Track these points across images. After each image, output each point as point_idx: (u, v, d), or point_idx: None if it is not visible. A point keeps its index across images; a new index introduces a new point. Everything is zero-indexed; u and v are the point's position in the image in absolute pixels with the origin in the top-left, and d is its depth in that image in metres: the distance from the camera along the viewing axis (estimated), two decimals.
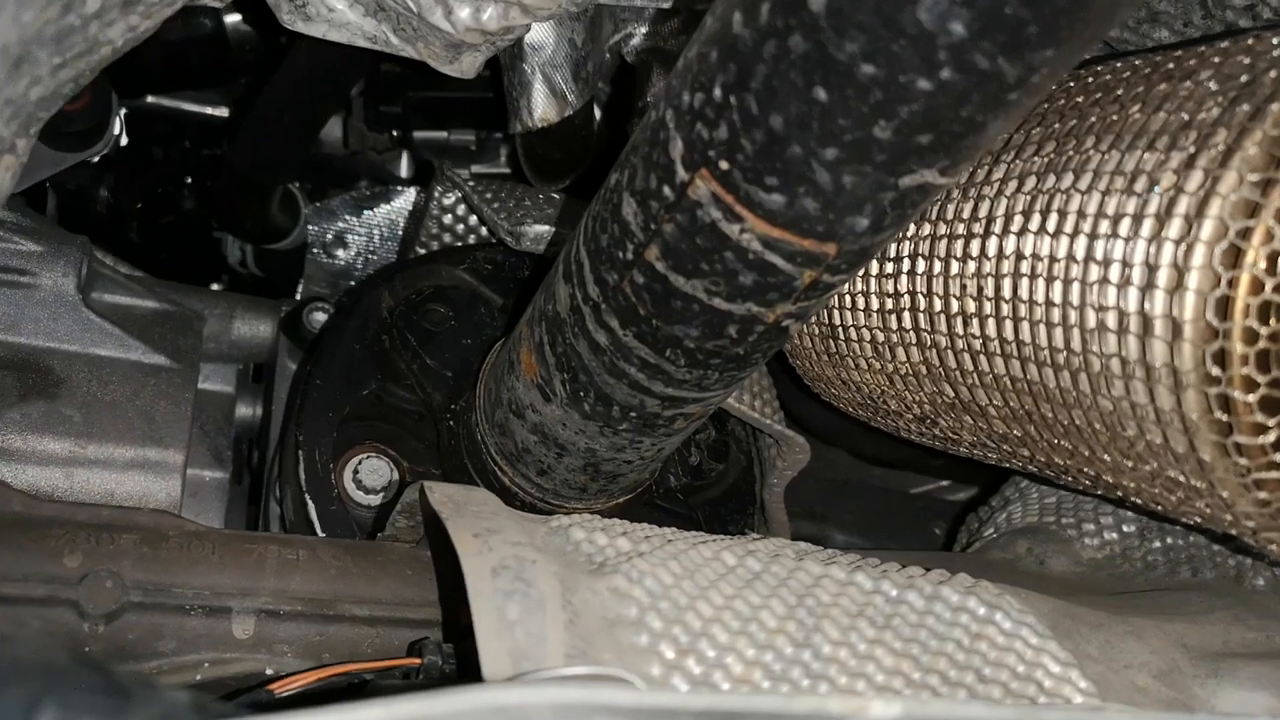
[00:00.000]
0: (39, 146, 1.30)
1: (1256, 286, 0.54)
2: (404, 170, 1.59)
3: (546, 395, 0.87)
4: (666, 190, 0.67)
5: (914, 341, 0.80)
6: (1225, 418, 0.57)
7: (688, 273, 0.69)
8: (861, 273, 0.84)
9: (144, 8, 0.63)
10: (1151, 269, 0.58)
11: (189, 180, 1.73)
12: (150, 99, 1.75)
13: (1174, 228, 0.57)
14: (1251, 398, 0.55)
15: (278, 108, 1.32)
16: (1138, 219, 0.60)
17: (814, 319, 0.92)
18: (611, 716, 0.39)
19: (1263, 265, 0.54)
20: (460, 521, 0.67)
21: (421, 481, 0.76)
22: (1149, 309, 0.59)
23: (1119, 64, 0.71)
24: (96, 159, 1.69)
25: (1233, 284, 0.55)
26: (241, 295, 1.32)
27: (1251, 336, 0.55)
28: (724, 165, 0.63)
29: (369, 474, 1.02)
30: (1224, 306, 0.55)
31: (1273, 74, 0.57)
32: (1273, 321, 0.55)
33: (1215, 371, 0.56)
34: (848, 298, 0.86)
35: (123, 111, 1.78)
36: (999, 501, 1.08)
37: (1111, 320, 0.61)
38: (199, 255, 1.68)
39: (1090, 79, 0.71)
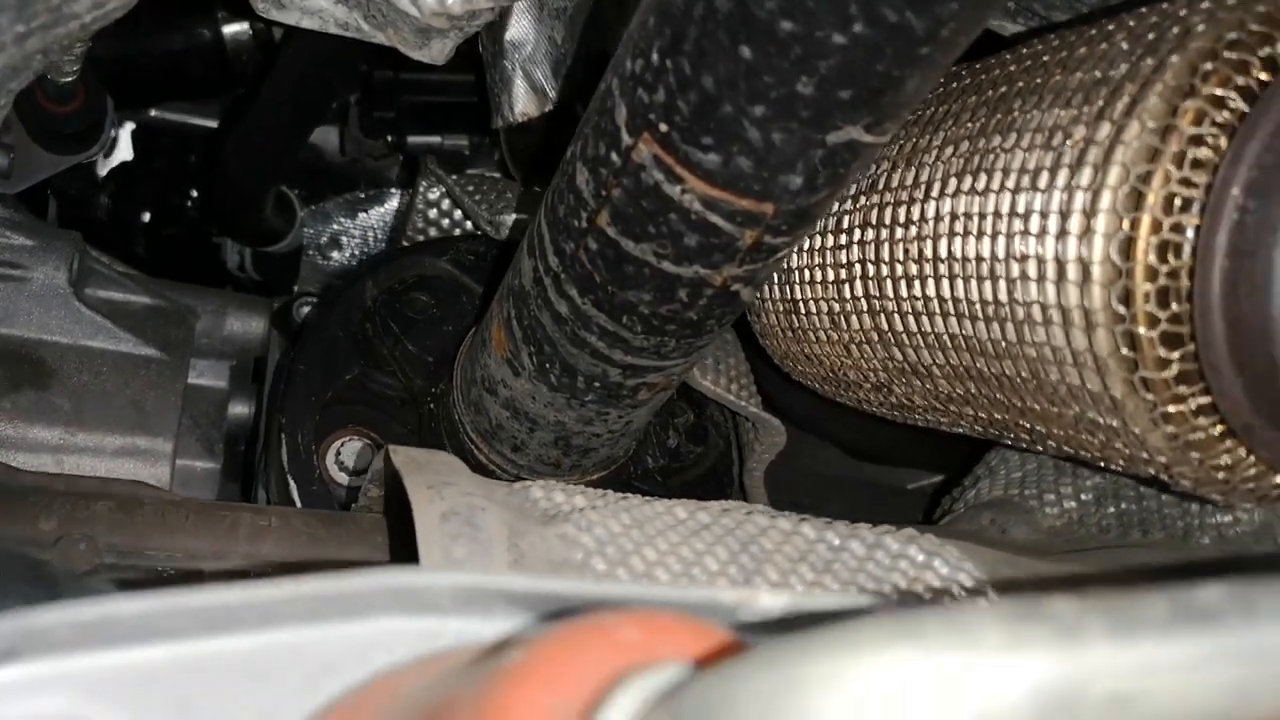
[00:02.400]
0: (36, 150, 1.35)
1: (1155, 226, 0.57)
2: (399, 175, 1.63)
3: (515, 369, 0.90)
4: (614, 156, 0.70)
5: (865, 309, 0.82)
6: (1131, 354, 0.59)
7: (636, 236, 0.72)
8: (817, 246, 0.87)
9: None
10: (1064, 216, 0.61)
11: (193, 191, 1.78)
12: (154, 112, 1.81)
13: (1084, 176, 0.60)
14: (1154, 333, 0.57)
15: (266, 115, 1.36)
16: (1053, 171, 0.62)
17: (776, 296, 0.95)
18: (511, 602, 0.41)
19: (1161, 206, 0.56)
20: (418, 477, 0.70)
21: (388, 446, 0.78)
22: (1062, 254, 0.61)
23: (1051, 35, 0.74)
24: (99, 167, 1.75)
25: (1134, 225, 0.57)
26: (234, 293, 1.35)
27: (1152, 274, 0.57)
28: (663, 127, 0.66)
29: (350, 456, 1.05)
30: (1127, 247, 0.58)
31: (1175, 30, 0.60)
32: (1171, 259, 0.57)
33: (1120, 310, 0.58)
34: (805, 271, 0.89)
35: (130, 126, 1.84)
36: (970, 480, 1.10)
37: (1031, 269, 0.63)
38: (200, 261, 1.72)
39: (1024, 50, 0.74)
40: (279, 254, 1.57)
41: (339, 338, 1.11)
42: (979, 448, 1.13)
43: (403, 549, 0.84)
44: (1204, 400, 0.59)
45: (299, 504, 1.03)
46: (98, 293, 1.22)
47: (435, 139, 1.59)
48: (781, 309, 0.95)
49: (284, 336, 1.28)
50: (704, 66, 0.61)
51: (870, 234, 0.80)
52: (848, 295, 0.84)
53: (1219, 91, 0.57)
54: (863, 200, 0.81)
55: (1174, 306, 0.57)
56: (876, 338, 0.83)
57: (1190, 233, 0.57)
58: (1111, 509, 0.90)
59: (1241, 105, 0.56)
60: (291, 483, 1.03)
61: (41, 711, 0.37)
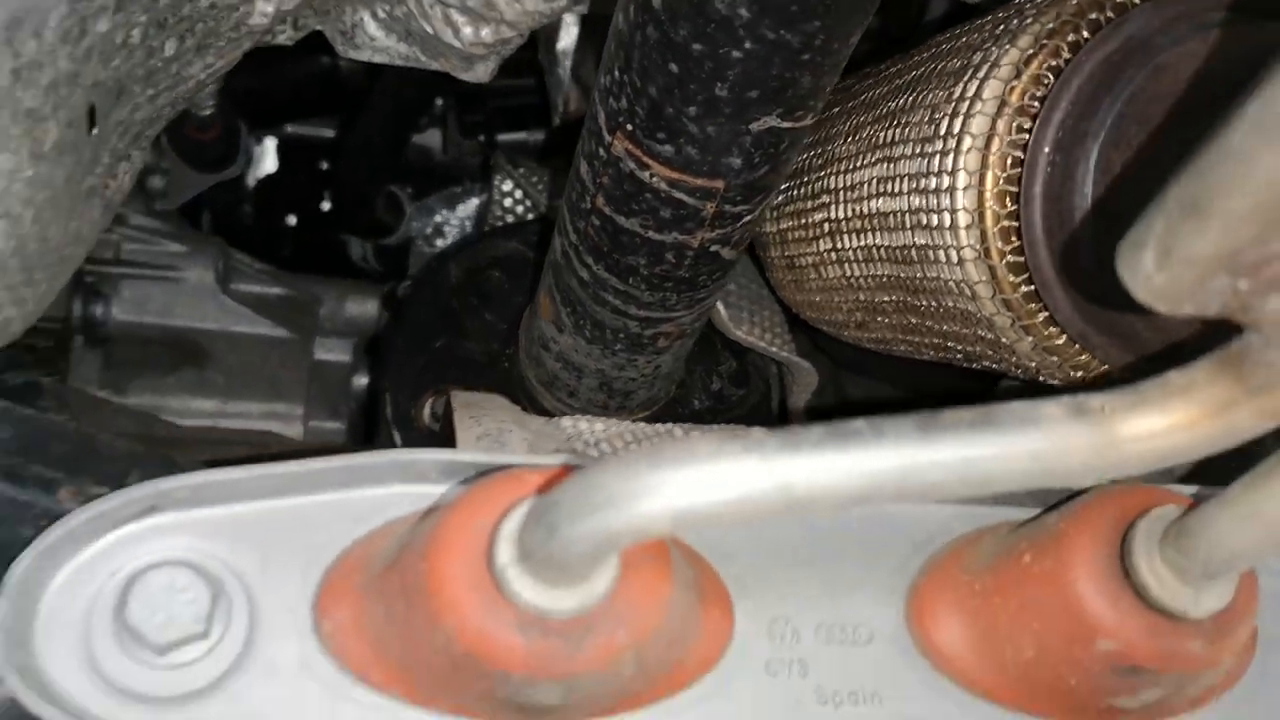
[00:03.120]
0: (187, 171, 1.61)
1: (995, 180, 0.72)
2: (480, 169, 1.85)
3: (560, 328, 1.10)
4: (600, 150, 0.89)
5: (833, 259, 0.99)
6: (992, 281, 0.74)
7: (626, 213, 0.90)
8: (796, 209, 1.04)
9: (215, 51, 0.88)
10: (938, 176, 0.77)
11: (325, 195, 2.04)
12: (291, 128, 2.07)
13: (950, 144, 0.76)
14: (1003, 263, 0.73)
15: (371, 128, 1.60)
16: (931, 141, 0.78)
17: (776, 254, 1.12)
18: (477, 471, 0.61)
19: (997, 165, 0.72)
20: (464, 410, 0.90)
21: (451, 391, 0.99)
22: (939, 206, 0.77)
23: (958, 29, 0.89)
24: (247, 179, 2.02)
25: (981, 181, 0.73)
26: (350, 280, 1.59)
27: (996, 217, 0.72)
28: (629, 127, 0.84)
29: (440, 409, 1.27)
30: (978, 198, 0.73)
31: (1015, 23, 0.75)
32: (1009, 204, 0.72)
33: (979, 247, 0.74)
34: (791, 231, 1.06)
35: (273, 141, 2.11)
36: None
37: (923, 219, 0.79)
38: (332, 256, 1.98)
39: (933, 46, 0.90)
40: (392, 246, 1.80)
41: (429, 312, 1.33)
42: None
43: None
44: (1048, 314, 0.74)
45: None
46: (240, 287, 1.47)
47: (521, 135, 1.80)
48: (782, 265, 1.12)
49: (391, 315, 1.51)
50: (647, 80, 0.79)
51: (827, 198, 0.96)
52: (820, 249, 1.01)
53: (1038, 72, 0.72)
54: (823, 170, 0.98)
55: (1015, 241, 0.73)
56: (845, 283, 0.99)
57: (1020, 184, 0.72)
58: None
59: (1053, 81, 0.71)
60: (395, 432, 1.26)
61: (171, 545, 0.58)
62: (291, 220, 2.06)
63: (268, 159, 2.07)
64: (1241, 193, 0.39)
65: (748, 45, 0.73)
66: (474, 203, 1.73)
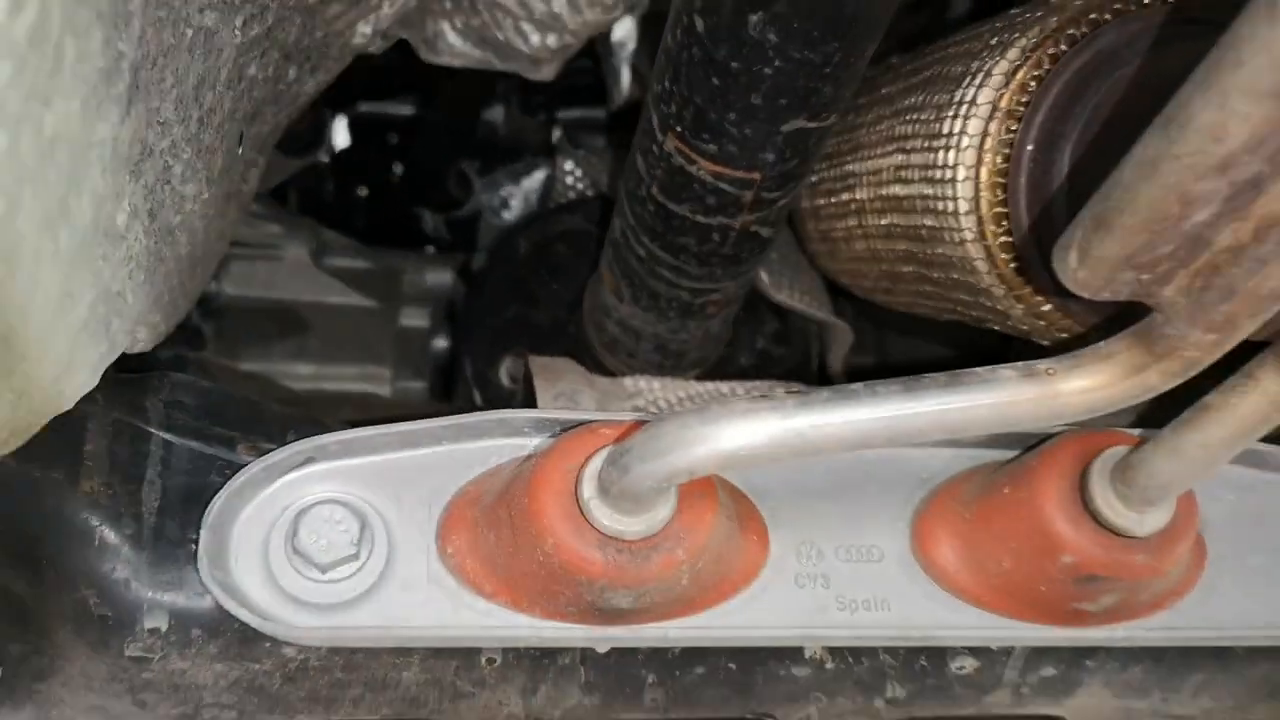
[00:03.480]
0: (279, 158, 1.77)
1: (990, 174, 0.85)
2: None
3: (620, 298, 1.24)
4: (654, 147, 1.03)
5: (859, 235, 1.12)
6: (988, 258, 0.88)
7: (677, 200, 1.05)
8: (828, 189, 1.17)
9: (324, 69, 1.03)
10: (943, 169, 0.90)
11: (397, 168, 2.19)
12: (364, 106, 2.23)
13: (952, 141, 0.89)
14: (996, 244, 0.86)
15: (441, 115, 1.75)
16: (937, 138, 0.91)
17: (811, 229, 1.25)
18: (561, 426, 0.76)
19: (990, 161, 0.85)
20: (542, 373, 1.06)
21: (527, 356, 1.15)
22: (948, 194, 0.90)
23: (961, 36, 1.01)
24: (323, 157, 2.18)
25: (977, 174, 0.86)
26: (428, 254, 1.75)
27: (990, 205, 0.86)
28: (679, 129, 0.98)
29: (515, 370, 1.43)
30: (975, 190, 0.87)
31: (1009, 35, 0.88)
32: (998, 194, 0.85)
33: (976, 229, 0.87)
34: (824, 209, 1.19)
35: (344, 119, 2.27)
36: None
37: (933, 205, 0.93)
38: (406, 228, 2.14)
39: (941, 49, 1.02)
40: (462, 218, 1.95)
41: (502, 283, 1.48)
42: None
43: None
44: (1033, 286, 0.88)
45: (480, 407, 1.41)
46: (332, 262, 1.63)
47: (579, 112, 1.94)
48: (817, 237, 1.25)
49: (466, 285, 1.66)
50: (693, 90, 0.93)
51: (853, 180, 1.10)
52: (849, 225, 1.14)
53: (1024, 80, 0.85)
54: (849, 155, 1.11)
55: (1005, 224, 0.86)
56: (870, 255, 1.13)
57: (1008, 176, 0.85)
58: None
59: (1035, 89, 0.84)
60: (475, 392, 1.42)
61: (327, 488, 0.74)
62: (366, 194, 2.22)
63: (339, 136, 2.23)
64: (1131, 213, 0.52)
65: (777, 63, 0.86)
66: (538, 176, 1.87)
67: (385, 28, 1.08)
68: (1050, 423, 0.61)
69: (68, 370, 0.54)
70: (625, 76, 1.49)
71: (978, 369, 0.62)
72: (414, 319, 1.68)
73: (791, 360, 1.50)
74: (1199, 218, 0.50)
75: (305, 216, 1.62)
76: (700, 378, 1.39)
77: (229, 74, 0.73)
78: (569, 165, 1.64)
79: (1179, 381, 0.59)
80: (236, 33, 0.71)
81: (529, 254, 1.50)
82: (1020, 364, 0.62)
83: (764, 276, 1.40)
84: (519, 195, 1.88)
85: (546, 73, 1.22)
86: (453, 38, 1.21)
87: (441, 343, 1.71)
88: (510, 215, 1.88)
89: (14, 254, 0.44)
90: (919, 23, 1.49)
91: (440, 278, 1.71)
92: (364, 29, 1.04)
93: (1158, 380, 0.59)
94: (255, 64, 0.79)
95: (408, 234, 2.09)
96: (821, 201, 1.19)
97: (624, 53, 1.49)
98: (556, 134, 1.86)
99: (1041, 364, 0.61)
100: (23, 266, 0.45)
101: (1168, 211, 0.51)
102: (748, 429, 0.60)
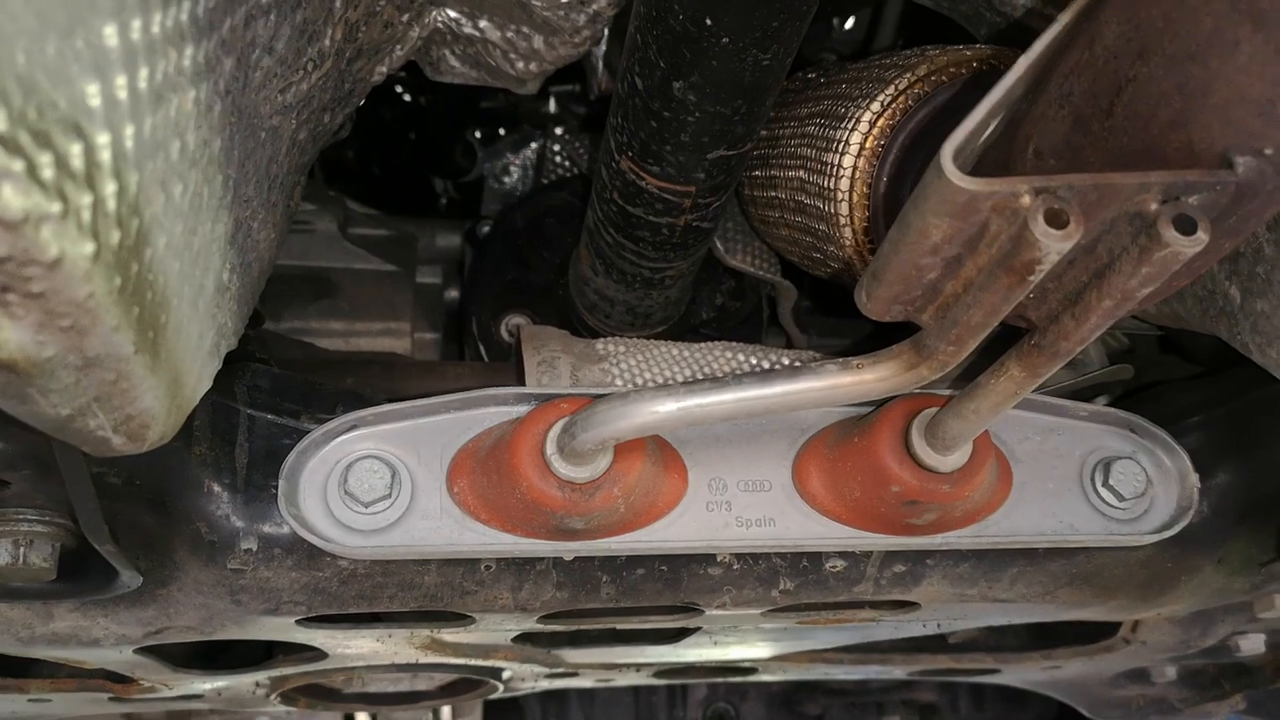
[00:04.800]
0: None
1: (861, 180, 1.12)
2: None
3: (595, 271, 1.52)
4: (613, 164, 1.29)
5: (783, 224, 1.40)
6: (861, 260, 1.15)
7: (633, 204, 1.32)
8: (760, 188, 1.44)
9: (350, 104, 1.30)
10: (830, 190, 1.17)
11: (411, 135, 2.46)
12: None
13: (836, 168, 1.16)
14: (865, 249, 1.14)
15: (448, 94, 2.00)
16: (826, 165, 1.18)
17: (753, 214, 1.53)
18: (538, 399, 1.05)
19: (863, 170, 1.12)
20: (529, 341, 1.34)
21: (521, 326, 1.43)
22: (831, 210, 1.17)
23: (845, 72, 1.27)
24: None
25: (853, 178, 1.13)
26: (439, 220, 2.02)
27: (860, 220, 1.13)
28: (630, 154, 1.24)
29: (514, 327, 1.71)
30: (850, 187, 1.13)
31: (874, 87, 1.14)
32: (865, 213, 1.12)
33: (852, 239, 1.15)
34: (758, 199, 1.46)
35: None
36: None
37: (827, 196, 1.20)
38: (419, 192, 2.41)
39: (834, 83, 1.28)
40: (468, 184, 2.22)
41: (502, 251, 1.76)
42: None
43: (521, 381, 1.49)
44: None
45: (485, 359, 1.70)
46: (357, 231, 1.90)
47: (570, 86, 2.19)
48: (757, 219, 1.53)
49: (470, 246, 1.94)
50: (638, 128, 1.20)
51: (776, 181, 1.37)
52: (775, 215, 1.41)
53: (883, 126, 1.11)
54: (774, 162, 1.38)
55: (867, 223, 1.13)
56: (791, 240, 1.40)
57: (869, 194, 1.12)
58: None
59: (890, 135, 1.11)
60: (480, 345, 1.71)
61: (367, 446, 1.04)
62: (382, 163, 2.48)
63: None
64: (889, 272, 0.80)
65: (697, 114, 1.13)
66: (533, 146, 2.14)
67: (399, 66, 1.34)
68: (859, 400, 0.90)
69: (199, 383, 0.83)
70: (601, 70, 1.74)
71: (814, 364, 0.90)
72: (427, 277, 1.96)
73: (745, 312, 1.78)
74: (929, 278, 0.78)
75: (333, 193, 1.89)
76: (664, 333, 1.67)
77: (288, 148, 1.01)
78: (556, 148, 1.90)
79: (940, 375, 0.87)
80: (293, 120, 0.99)
81: (524, 226, 1.78)
82: (841, 359, 0.90)
83: (719, 245, 1.68)
84: (518, 163, 2.14)
85: (531, 88, 1.48)
86: (453, 61, 1.47)
87: (452, 293, 1.99)
88: (510, 180, 2.15)
89: (180, 327, 0.72)
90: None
91: (449, 240, 1.99)
92: (381, 69, 1.31)
93: (927, 373, 0.87)
94: (305, 130, 1.06)
95: (419, 197, 2.36)
96: (757, 193, 1.46)
97: (599, 50, 1.74)
98: (552, 105, 2.11)
99: (854, 360, 0.89)
100: (185, 333, 0.73)
101: (908, 274, 0.78)
102: (653, 408, 0.89)
